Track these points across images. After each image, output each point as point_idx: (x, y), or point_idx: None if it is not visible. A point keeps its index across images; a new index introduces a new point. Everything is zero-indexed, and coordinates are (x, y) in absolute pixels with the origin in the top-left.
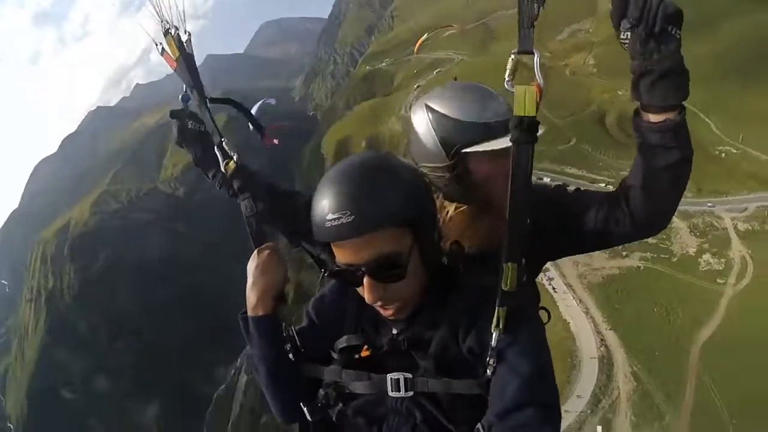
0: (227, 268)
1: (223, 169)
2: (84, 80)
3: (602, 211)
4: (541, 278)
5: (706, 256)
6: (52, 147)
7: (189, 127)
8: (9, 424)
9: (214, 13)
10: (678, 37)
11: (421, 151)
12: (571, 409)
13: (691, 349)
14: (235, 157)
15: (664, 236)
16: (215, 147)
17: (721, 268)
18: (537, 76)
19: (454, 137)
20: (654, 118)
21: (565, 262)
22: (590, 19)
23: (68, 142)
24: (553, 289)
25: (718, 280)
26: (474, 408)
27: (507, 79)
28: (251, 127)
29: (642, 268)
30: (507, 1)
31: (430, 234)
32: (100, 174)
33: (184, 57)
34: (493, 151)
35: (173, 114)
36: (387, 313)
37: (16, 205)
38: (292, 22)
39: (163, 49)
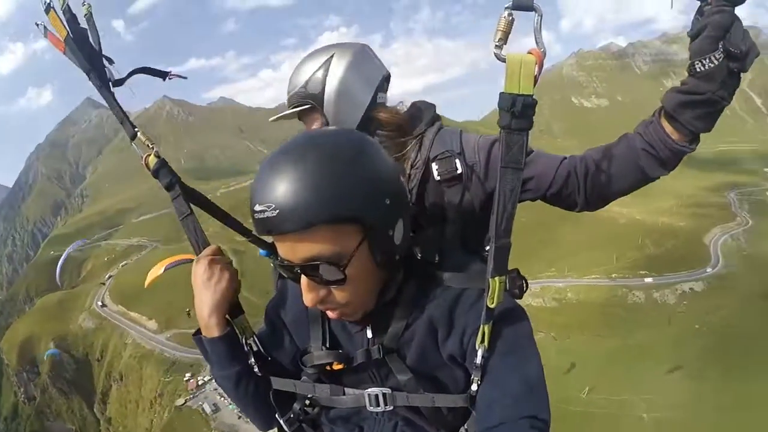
0: None
1: (143, 163)
2: None
3: (561, 176)
4: None
5: None
6: None
7: None
8: None
9: None
10: None
11: None
12: None
13: None
14: (155, 150)
15: None
16: (131, 141)
17: None
18: (537, 41)
19: None
20: (677, 137)
21: None
22: None
23: None
24: None
25: None
26: (455, 412)
27: (496, 44)
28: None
29: None
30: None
31: (385, 234)
32: None
33: (74, 34)
34: (278, 120)
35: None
36: (333, 316)
37: None
38: None
39: (45, 29)
